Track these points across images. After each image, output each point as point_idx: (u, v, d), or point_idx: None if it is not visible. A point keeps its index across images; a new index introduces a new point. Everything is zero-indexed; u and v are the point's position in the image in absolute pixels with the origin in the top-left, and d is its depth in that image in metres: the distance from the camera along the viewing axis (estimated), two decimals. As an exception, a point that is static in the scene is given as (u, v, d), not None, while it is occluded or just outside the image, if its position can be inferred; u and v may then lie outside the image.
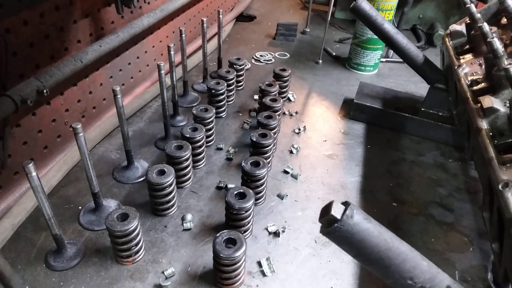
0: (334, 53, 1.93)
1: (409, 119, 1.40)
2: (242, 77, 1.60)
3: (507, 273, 0.68)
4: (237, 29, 2.20)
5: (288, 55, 1.94)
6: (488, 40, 0.90)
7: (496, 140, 0.82)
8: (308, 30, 2.18)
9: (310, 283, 0.90)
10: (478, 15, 1.13)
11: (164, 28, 1.59)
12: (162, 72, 1.10)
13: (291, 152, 1.30)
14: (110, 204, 1.04)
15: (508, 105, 0.85)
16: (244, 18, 2.29)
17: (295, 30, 2.06)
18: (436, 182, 1.22)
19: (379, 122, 1.44)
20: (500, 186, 0.70)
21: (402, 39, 1.32)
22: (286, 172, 1.21)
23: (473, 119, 0.89)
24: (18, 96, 0.90)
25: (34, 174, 0.75)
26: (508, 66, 0.79)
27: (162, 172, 0.99)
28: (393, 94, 1.51)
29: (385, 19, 1.32)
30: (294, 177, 1.19)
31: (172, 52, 1.19)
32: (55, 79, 1.00)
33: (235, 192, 0.95)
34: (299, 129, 1.40)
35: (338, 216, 0.52)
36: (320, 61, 1.88)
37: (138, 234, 0.89)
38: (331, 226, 0.53)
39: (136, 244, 0.89)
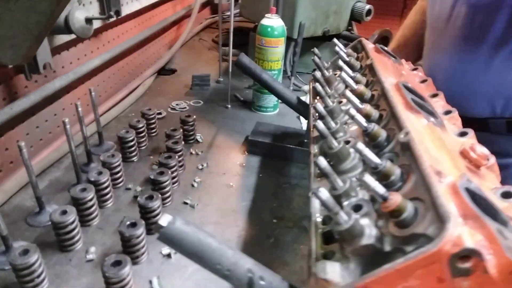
0: (242, 98, 2.22)
1: (295, 150, 1.66)
2: (155, 125, 1.82)
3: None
4: (159, 82, 2.45)
5: (202, 102, 2.20)
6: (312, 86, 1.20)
7: (319, 160, 1.07)
8: (222, 79, 2.47)
9: (193, 292, 1.08)
10: (325, 64, 1.45)
11: (81, 87, 1.79)
12: (68, 126, 1.29)
13: (192, 185, 1.50)
14: (21, 245, 1.17)
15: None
16: (166, 71, 2.56)
17: (208, 80, 2.34)
18: (312, 200, 1.47)
19: (271, 154, 1.69)
20: (309, 194, 0.94)
21: (278, 85, 1.62)
22: (185, 203, 1.41)
23: (310, 145, 1.16)
24: None
25: None
26: (315, 103, 1.06)
27: (64, 212, 1.15)
28: (283, 130, 1.79)
29: (263, 70, 1.62)
30: (192, 206, 1.39)
31: (79, 109, 1.39)
32: (-33, 140, 1.17)
33: (128, 223, 1.13)
34: (202, 166, 1.62)
35: (164, 224, 0.73)
36: (229, 106, 2.15)
37: (40, 266, 1.03)
38: (160, 232, 0.73)
39: (38, 276, 1.04)
